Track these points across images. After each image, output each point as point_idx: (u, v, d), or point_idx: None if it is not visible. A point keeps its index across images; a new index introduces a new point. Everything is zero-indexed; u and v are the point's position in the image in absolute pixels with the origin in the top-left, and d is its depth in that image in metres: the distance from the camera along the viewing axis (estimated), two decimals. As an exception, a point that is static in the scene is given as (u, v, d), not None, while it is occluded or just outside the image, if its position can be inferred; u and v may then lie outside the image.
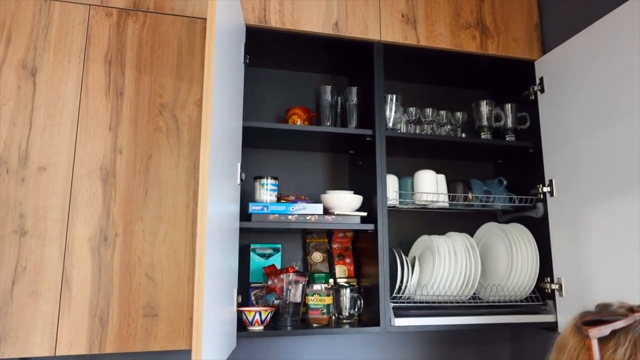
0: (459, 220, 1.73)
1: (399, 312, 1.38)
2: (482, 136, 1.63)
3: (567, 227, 1.43)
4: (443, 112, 1.59)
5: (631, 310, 0.73)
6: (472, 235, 1.58)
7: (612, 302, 0.77)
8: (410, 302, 1.44)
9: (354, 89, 1.50)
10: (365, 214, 1.41)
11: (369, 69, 1.47)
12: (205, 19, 1.33)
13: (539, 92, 1.57)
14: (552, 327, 1.44)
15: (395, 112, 1.51)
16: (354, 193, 1.43)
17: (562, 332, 0.80)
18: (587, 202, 1.35)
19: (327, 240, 1.59)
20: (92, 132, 1.21)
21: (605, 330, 0.71)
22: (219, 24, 0.95)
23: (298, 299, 1.36)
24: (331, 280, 1.49)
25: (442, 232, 1.58)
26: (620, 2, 1.26)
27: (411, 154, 1.69)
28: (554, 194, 1.49)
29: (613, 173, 1.27)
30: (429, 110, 1.57)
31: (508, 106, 1.63)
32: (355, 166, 1.65)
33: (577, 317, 0.79)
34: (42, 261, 1.13)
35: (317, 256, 1.57)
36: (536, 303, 1.50)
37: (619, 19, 1.26)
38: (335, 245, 1.58)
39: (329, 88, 1.48)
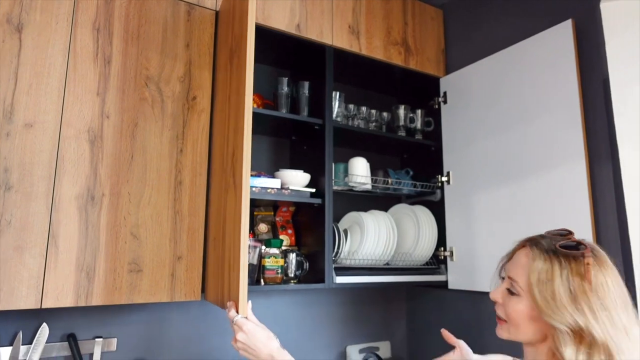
0: (375, 201, 2.09)
1: (337, 273, 1.66)
2: (399, 134, 2.00)
3: (459, 208, 1.87)
4: (373, 111, 1.93)
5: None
6: (388, 213, 1.95)
7: (552, 231, 0.91)
8: (344, 265, 1.74)
9: (307, 83, 1.73)
10: (314, 190, 1.66)
11: (321, 67, 1.73)
12: (188, 2, 1.45)
13: (442, 103, 2.00)
14: (444, 284, 1.87)
15: (339, 107, 1.79)
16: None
17: (528, 265, 0.85)
18: (475, 189, 1.80)
19: (272, 213, 1.80)
20: (80, 96, 1.25)
21: (587, 253, 0.80)
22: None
23: (255, 262, 1.56)
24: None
25: (365, 210, 1.91)
26: (506, 44, 1.73)
27: (343, 143, 1.99)
28: (450, 183, 1.93)
29: (495, 168, 1.73)
30: (364, 108, 1.89)
31: (419, 111, 2.03)
32: (296, 151, 1.89)
33: (540, 245, 0.86)
34: (27, 216, 1.15)
35: (263, 227, 1.77)
36: (433, 267, 1.92)
37: (502, 58, 1.73)
38: (278, 218, 1.80)
39: (285, 79, 1.70)
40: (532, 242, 0.89)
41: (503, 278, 0.93)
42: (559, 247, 0.84)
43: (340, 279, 1.63)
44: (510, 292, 0.89)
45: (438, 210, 1.96)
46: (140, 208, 1.29)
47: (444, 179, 1.95)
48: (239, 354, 1.04)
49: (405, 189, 2.01)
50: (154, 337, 1.55)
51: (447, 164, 1.95)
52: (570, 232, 0.89)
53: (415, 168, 2.10)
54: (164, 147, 1.35)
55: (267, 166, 1.86)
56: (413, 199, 2.11)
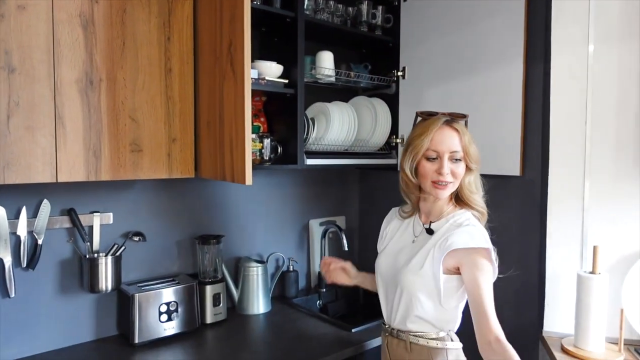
0: (336, 93, 2.26)
1: (307, 156, 1.89)
2: (361, 29, 2.13)
3: (411, 101, 2.11)
4: (340, 5, 2.02)
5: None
6: (350, 104, 2.15)
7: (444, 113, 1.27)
8: (311, 150, 1.96)
9: (280, -25, 1.78)
10: (287, 80, 1.80)
11: (294, -42, 1.76)
12: None
13: (402, 0, 2.13)
14: (394, 167, 2.17)
15: (309, 0, 1.87)
16: (279, 63, 1.79)
17: (459, 136, 1.20)
18: (427, 84, 2.03)
19: (246, 102, 1.93)
20: (68, -22, 1.25)
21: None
22: None
23: (235, 145, 1.74)
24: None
25: (328, 102, 2.10)
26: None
27: (309, 37, 2.08)
28: (405, 78, 2.13)
29: (445, 65, 1.94)
30: (331, 2, 1.98)
31: (380, 7, 2.14)
32: (266, 42, 1.97)
33: (455, 121, 1.23)
34: (33, 98, 1.22)
35: (237, 115, 1.91)
36: (386, 152, 2.20)
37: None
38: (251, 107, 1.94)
39: (259, -30, 1.73)
40: (447, 122, 1.23)
41: (434, 158, 1.22)
42: (457, 117, 1.26)
43: (310, 161, 1.86)
44: (455, 159, 1.21)
45: (393, 103, 2.19)
46: (136, 93, 1.39)
47: (400, 73, 2.15)
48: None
49: (364, 82, 2.20)
50: (147, 211, 1.74)
51: (403, 59, 2.14)
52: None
53: (374, 63, 2.27)
54: (152, 34, 1.41)
55: (238, 56, 1.94)
56: (370, 92, 2.31)
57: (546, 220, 1.65)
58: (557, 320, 1.63)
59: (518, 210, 1.74)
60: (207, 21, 1.44)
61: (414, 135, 1.26)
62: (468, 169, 1.24)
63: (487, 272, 1.16)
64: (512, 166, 1.73)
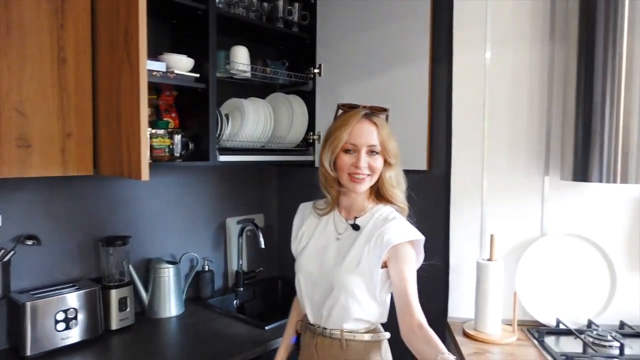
0: (253, 90, 2.23)
1: (220, 153, 1.84)
2: (277, 25, 2.12)
3: (328, 97, 2.13)
4: (255, 0, 1.99)
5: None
6: (266, 101, 2.13)
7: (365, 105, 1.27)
8: (226, 147, 1.92)
9: (189, -35, 1.72)
10: (198, 75, 1.75)
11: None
12: None
13: (318, -2, 2.15)
14: (311, 164, 2.18)
15: (221, -7, 1.83)
16: (189, 57, 1.73)
17: (377, 130, 1.19)
18: (343, 81, 2.06)
19: (156, 97, 1.85)
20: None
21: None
22: None
23: (142, 141, 1.66)
24: (166, 128, 1.81)
25: (244, 98, 2.06)
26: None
27: (223, 31, 2.03)
28: (321, 75, 2.16)
29: (360, 63, 1.99)
30: (245, -4, 1.95)
31: (297, 4, 2.15)
32: (177, 36, 1.90)
33: (374, 114, 1.22)
34: None
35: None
36: (303, 149, 2.21)
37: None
38: (161, 102, 1.86)
39: (167, -42, 1.66)
40: (367, 115, 1.23)
41: (352, 151, 1.21)
42: (377, 111, 1.27)
43: (224, 158, 1.82)
44: (373, 152, 1.21)
45: (310, 99, 2.20)
46: (23, 84, 1.27)
47: (316, 70, 2.17)
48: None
49: (281, 78, 2.19)
50: (43, 212, 1.61)
51: (320, 57, 2.16)
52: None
53: (291, 59, 2.27)
54: (42, 21, 1.30)
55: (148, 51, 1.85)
56: (288, 89, 2.31)
57: (450, 212, 1.74)
58: (460, 306, 1.73)
59: (426, 204, 1.81)
60: (104, 9, 1.36)
61: (334, 127, 1.24)
62: (388, 163, 1.23)
63: (413, 263, 1.19)
64: (419, 161, 1.81)
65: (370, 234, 1.20)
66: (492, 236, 1.60)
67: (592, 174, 1.42)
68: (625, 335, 1.54)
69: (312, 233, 1.33)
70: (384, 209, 1.26)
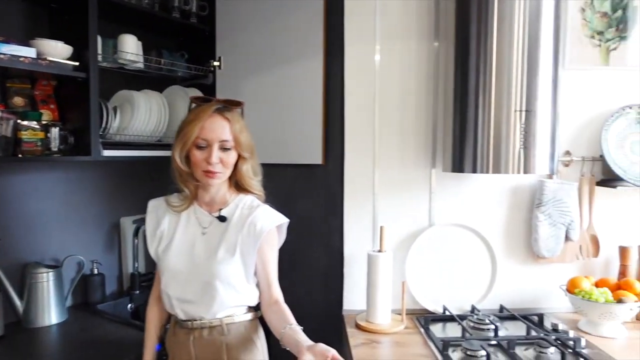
0: (150, 83, 2.12)
1: (105, 147, 1.73)
2: (173, 14, 2.03)
3: (229, 92, 2.07)
4: (146, -14, 1.89)
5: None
6: (161, 93, 2.03)
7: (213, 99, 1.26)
8: (115, 141, 1.80)
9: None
10: (77, 63, 1.62)
11: None
12: None
13: (216, -12, 2.08)
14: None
15: (105, -24, 1.71)
16: (65, 43, 1.61)
17: (230, 124, 1.17)
18: (243, 75, 2.02)
19: (30, 86, 1.69)
20: None
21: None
22: None
23: (9, 134, 1.51)
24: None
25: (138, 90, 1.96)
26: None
27: (113, 19, 1.91)
28: (222, 68, 2.10)
29: (260, 56, 1.95)
30: (134, -18, 1.84)
31: (193, -6, 2.07)
32: (57, 21, 1.76)
33: (225, 108, 1.19)
34: None
35: (19, 100, 1.66)
36: (204, 144, 2.14)
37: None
38: (37, 92, 1.71)
39: None
40: (219, 110, 1.20)
41: (204, 146, 1.18)
42: (230, 105, 1.24)
43: (108, 152, 1.71)
44: (225, 148, 1.20)
45: (210, 93, 2.12)
46: None
47: (216, 63, 2.10)
48: None
49: (180, 71, 2.11)
50: None
51: (220, 49, 2.09)
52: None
53: (191, 52, 2.19)
54: None
55: (21, 36, 1.69)
56: (188, 82, 2.23)
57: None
58: (355, 298, 1.75)
59: (323, 197, 1.83)
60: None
61: (185, 122, 1.22)
62: (242, 157, 1.24)
63: (275, 245, 1.28)
64: (315, 156, 1.81)
65: (240, 223, 1.22)
66: (381, 228, 1.63)
67: (467, 165, 1.49)
68: (502, 318, 1.63)
69: (173, 231, 1.27)
70: (246, 198, 1.29)
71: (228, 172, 1.23)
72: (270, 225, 1.22)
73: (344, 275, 1.76)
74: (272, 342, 1.27)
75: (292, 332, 1.09)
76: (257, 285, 1.27)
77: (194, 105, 1.26)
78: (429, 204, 1.73)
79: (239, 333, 1.24)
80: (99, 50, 1.73)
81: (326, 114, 1.80)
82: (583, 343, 1.41)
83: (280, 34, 1.89)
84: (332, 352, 0.98)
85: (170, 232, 1.28)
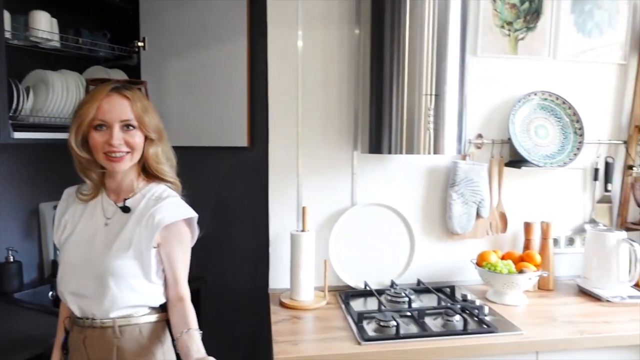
0: (69, 63, 2.03)
1: (17, 129, 1.65)
2: (93, -8, 1.95)
3: (153, 73, 2.04)
4: (58, -39, 1.80)
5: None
6: (81, 74, 1.96)
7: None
8: (29, 123, 1.72)
9: None
10: (-20, 39, 1.53)
11: None
12: None
13: (139, -34, 2.02)
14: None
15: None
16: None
17: (130, 103, 1.10)
18: (168, 56, 1.99)
19: None
20: None
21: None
22: None
23: None
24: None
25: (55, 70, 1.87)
26: None
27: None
28: (146, 48, 2.05)
29: (184, 37, 1.93)
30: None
31: (115, -29, 2.00)
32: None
33: (125, 87, 1.12)
34: None
35: None
36: (129, 127, 2.09)
37: None
38: (-62, 69, 1.60)
39: None
40: (117, 89, 1.12)
41: (104, 128, 1.10)
42: (127, 83, 1.17)
43: (20, 135, 1.63)
44: (129, 127, 1.12)
45: (134, 75, 2.08)
46: None
47: (140, 44, 2.05)
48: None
49: (102, 51, 2.04)
50: None
51: (144, 29, 2.05)
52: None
53: (114, 32, 2.12)
54: None
55: None
56: (111, 63, 2.15)
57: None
58: (280, 277, 1.79)
59: (249, 179, 1.85)
60: None
61: (81, 104, 1.13)
62: (150, 139, 1.16)
63: (185, 242, 1.18)
64: (240, 138, 1.82)
65: (141, 215, 1.14)
66: (304, 208, 1.68)
67: (383, 146, 1.56)
68: (417, 291, 1.73)
69: (77, 221, 1.19)
70: (157, 188, 1.20)
71: (136, 156, 1.15)
72: (170, 219, 1.13)
73: (270, 255, 1.79)
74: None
75: (188, 338, 1.05)
76: (167, 282, 1.17)
77: (91, 87, 1.17)
78: (351, 185, 1.80)
79: (134, 336, 1.14)
80: (8, 27, 1.65)
81: (251, 97, 1.82)
82: (486, 310, 1.53)
83: (205, 15, 1.87)
84: None
85: (75, 221, 1.20)
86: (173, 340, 1.15)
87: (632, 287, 1.73)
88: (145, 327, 1.16)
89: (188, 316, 1.09)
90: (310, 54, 1.75)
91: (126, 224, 1.14)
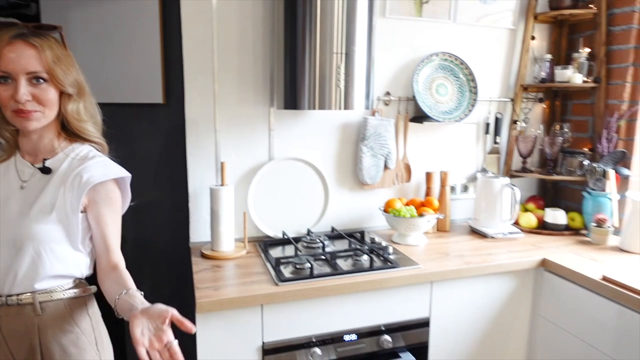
0: (-47, 8, 1.85)
1: None
2: None
3: (55, 22, 1.90)
4: None
5: None
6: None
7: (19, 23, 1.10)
8: None
9: None
10: None
11: None
12: None
13: None
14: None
15: None
16: None
17: (38, 53, 0.98)
18: (73, 5, 1.86)
19: None
20: None
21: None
22: None
23: None
24: None
25: (-63, 16, 1.70)
26: None
27: None
28: (46, -3, 1.91)
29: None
30: None
31: None
32: None
33: (32, 33, 0.99)
34: None
35: None
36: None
37: None
38: None
39: None
40: (22, 35, 1.00)
41: (7, 80, 0.99)
42: (39, 30, 1.05)
43: None
44: (39, 80, 1.01)
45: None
46: None
47: (39, -9, 1.90)
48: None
49: (-6, -2, 1.87)
50: None
51: (42, -25, 1.90)
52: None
53: (6, -24, 1.94)
54: None
55: None
56: (7, 12, 1.98)
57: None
58: (201, 231, 1.85)
59: (166, 136, 1.85)
60: None
61: None
62: (65, 94, 1.05)
63: (116, 204, 1.12)
64: (155, 95, 1.80)
65: (65, 175, 1.06)
66: (222, 164, 1.73)
67: (298, 102, 1.64)
68: (331, 237, 1.89)
69: None
70: (81, 148, 1.12)
71: (51, 113, 1.05)
72: (100, 178, 1.06)
73: (190, 210, 1.84)
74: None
75: (128, 297, 0.97)
76: (95, 251, 1.10)
77: None
78: (269, 140, 1.87)
79: (58, 313, 1.05)
80: None
81: (164, 52, 1.79)
82: (390, 250, 1.73)
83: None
84: (172, 311, 0.88)
85: None
86: (106, 314, 1.11)
87: (512, 224, 2.02)
88: (71, 302, 1.07)
89: (125, 280, 1.03)
90: (225, 10, 1.75)
91: (46, 185, 1.06)
